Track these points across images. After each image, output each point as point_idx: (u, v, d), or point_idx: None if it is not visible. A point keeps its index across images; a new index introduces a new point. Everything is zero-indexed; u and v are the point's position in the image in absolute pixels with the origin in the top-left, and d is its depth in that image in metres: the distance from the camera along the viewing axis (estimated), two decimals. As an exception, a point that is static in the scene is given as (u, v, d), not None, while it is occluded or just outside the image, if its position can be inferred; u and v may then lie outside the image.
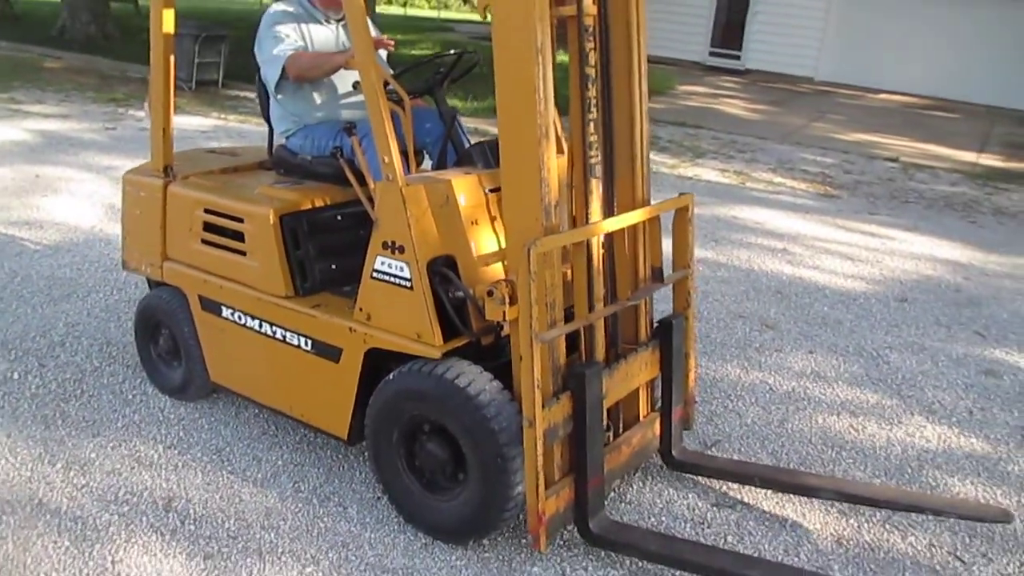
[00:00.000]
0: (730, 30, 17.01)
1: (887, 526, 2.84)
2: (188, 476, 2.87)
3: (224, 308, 3.07)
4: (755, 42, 16.65)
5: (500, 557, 2.55)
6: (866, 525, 2.84)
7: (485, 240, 2.63)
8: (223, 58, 11.30)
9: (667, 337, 2.90)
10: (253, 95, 11.20)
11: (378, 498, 2.78)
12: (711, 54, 17.22)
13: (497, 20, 2.29)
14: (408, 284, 2.54)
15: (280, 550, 2.53)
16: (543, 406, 2.34)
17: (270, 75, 3.20)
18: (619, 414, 2.90)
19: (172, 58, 3.25)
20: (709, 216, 6.54)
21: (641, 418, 2.95)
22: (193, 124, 9.08)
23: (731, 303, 4.79)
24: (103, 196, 6.03)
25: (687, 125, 10.78)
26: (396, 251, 2.55)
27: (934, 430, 3.53)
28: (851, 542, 2.75)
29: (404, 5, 30.46)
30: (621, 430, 2.89)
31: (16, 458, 2.90)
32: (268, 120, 3.43)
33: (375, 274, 2.62)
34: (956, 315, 4.88)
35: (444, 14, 35.63)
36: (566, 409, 2.46)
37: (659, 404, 2.99)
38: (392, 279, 2.58)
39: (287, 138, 3.35)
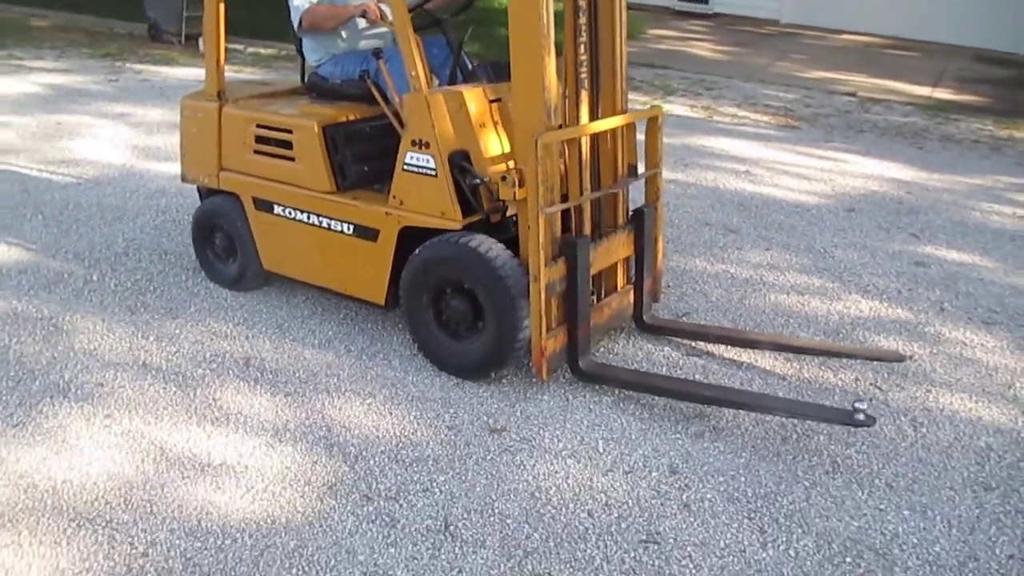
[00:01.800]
0: (698, -24, 17.48)
1: (823, 368, 3.54)
2: (258, 343, 3.52)
3: (276, 206, 3.73)
4: (722, -13, 17.14)
5: (516, 390, 3.24)
6: (806, 367, 3.54)
7: (490, 139, 3.28)
8: (211, 12, 11.71)
9: (640, 222, 3.59)
10: (241, 47, 11.65)
11: (414, 354, 3.45)
12: None
13: None
14: (433, 172, 3.21)
15: (343, 389, 3.20)
16: (545, 265, 3.00)
17: (293, 21, 3.81)
18: (602, 282, 3.59)
19: (222, 4, 3.84)
20: (679, 145, 7.18)
21: (619, 288, 3.65)
22: (189, 75, 9.52)
23: (698, 214, 5.46)
24: (124, 138, 6.56)
25: (657, 66, 11.35)
26: (423, 147, 3.22)
27: (868, 304, 4.24)
28: (793, 378, 3.46)
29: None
30: (603, 295, 3.59)
31: (114, 335, 3.54)
32: (300, 53, 4.03)
33: (405, 167, 3.29)
34: (896, 221, 5.57)
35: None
36: (561, 271, 3.13)
37: (633, 278, 3.69)
38: (420, 170, 3.25)
39: (318, 67, 3.94)
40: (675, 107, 8.90)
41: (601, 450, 2.90)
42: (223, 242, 4.01)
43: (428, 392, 3.21)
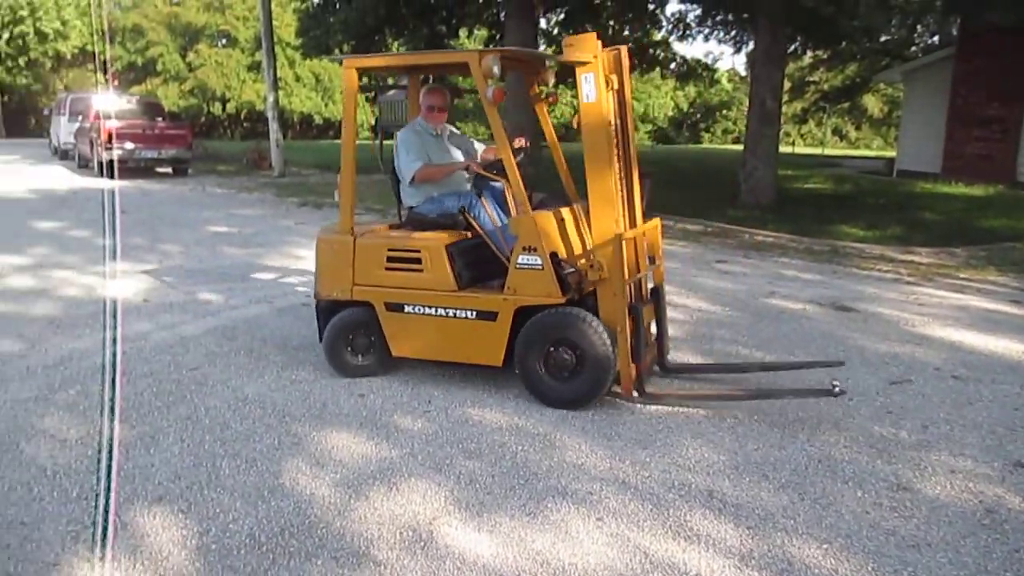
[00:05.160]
0: None
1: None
2: (718, 479, 3.95)
3: (406, 306, 5.09)
4: None
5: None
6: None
7: (569, 242, 4.94)
8: (647, 191, 13.04)
9: (657, 297, 5.36)
10: (672, 223, 12.77)
11: (866, 511, 3.63)
12: None
13: (587, 127, 4.71)
14: (540, 267, 4.74)
15: (799, 531, 3.47)
16: (626, 319, 4.67)
17: (406, 176, 5.44)
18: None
19: (354, 157, 5.22)
20: None
21: (649, 343, 5.16)
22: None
23: None
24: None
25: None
26: (531, 251, 4.75)
27: None
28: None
29: (792, 144, 31.65)
30: None
31: (596, 455, 4.21)
32: (398, 198, 5.67)
33: (518, 266, 4.80)
34: None
35: (827, 151, 36.00)
36: (631, 324, 4.70)
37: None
38: (529, 266, 4.77)
39: (416, 207, 5.49)
40: None
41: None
42: (360, 341, 5.30)
43: (883, 548, 3.36)
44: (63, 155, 24.85)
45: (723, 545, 3.37)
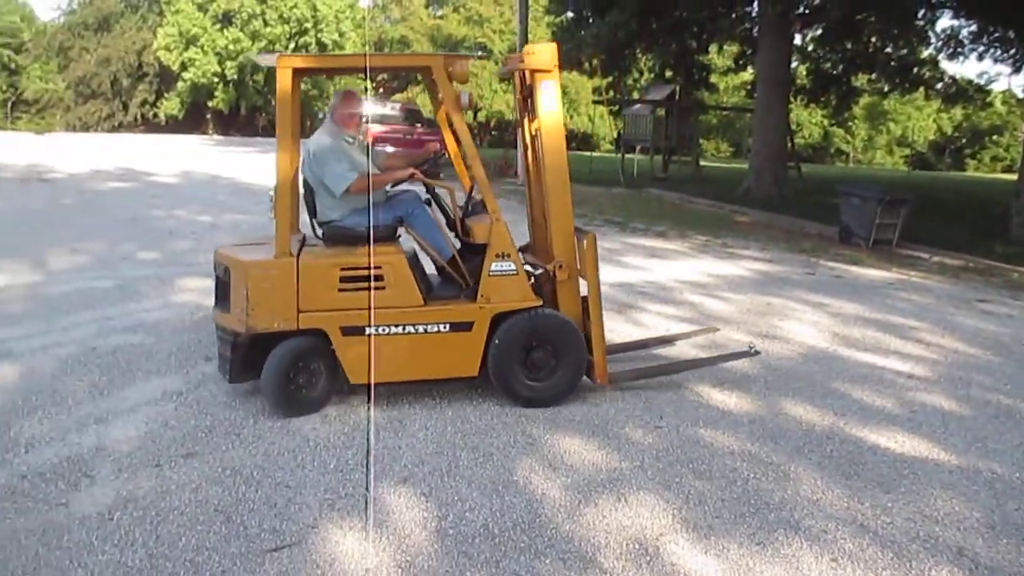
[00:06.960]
0: None
1: None
2: (971, 536, 3.66)
3: (367, 328, 4.61)
4: None
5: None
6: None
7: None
8: (901, 220, 12.23)
9: None
10: (926, 255, 11.89)
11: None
12: None
13: (547, 135, 4.83)
14: (514, 272, 4.83)
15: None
16: (601, 314, 4.95)
17: (338, 188, 4.86)
18: None
19: (293, 179, 4.86)
20: None
21: None
22: (872, 276, 10.13)
23: None
24: (825, 325, 7.33)
25: None
26: (504, 257, 4.80)
27: None
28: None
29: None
30: None
31: (833, 493, 4.03)
32: (313, 213, 5.05)
33: (491, 273, 4.80)
34: None
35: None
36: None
37: None
38: (503, 273, 4.81)
39: (337, 221, 4.94)
40: None
41: None
42: (305, 375, 4.68)
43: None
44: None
45: (972, 608, 3.14)
